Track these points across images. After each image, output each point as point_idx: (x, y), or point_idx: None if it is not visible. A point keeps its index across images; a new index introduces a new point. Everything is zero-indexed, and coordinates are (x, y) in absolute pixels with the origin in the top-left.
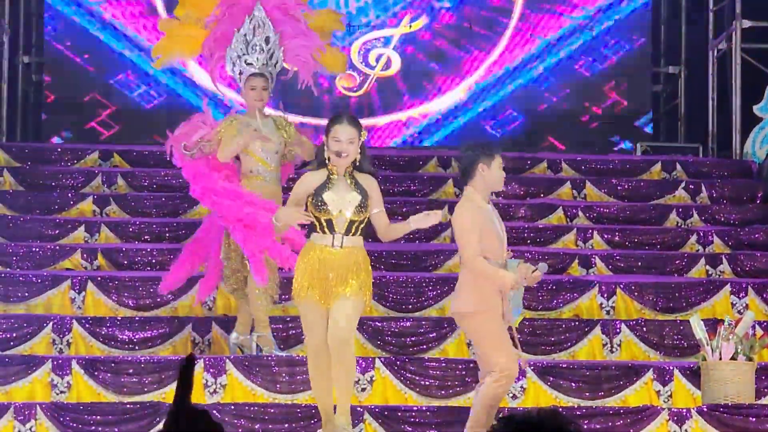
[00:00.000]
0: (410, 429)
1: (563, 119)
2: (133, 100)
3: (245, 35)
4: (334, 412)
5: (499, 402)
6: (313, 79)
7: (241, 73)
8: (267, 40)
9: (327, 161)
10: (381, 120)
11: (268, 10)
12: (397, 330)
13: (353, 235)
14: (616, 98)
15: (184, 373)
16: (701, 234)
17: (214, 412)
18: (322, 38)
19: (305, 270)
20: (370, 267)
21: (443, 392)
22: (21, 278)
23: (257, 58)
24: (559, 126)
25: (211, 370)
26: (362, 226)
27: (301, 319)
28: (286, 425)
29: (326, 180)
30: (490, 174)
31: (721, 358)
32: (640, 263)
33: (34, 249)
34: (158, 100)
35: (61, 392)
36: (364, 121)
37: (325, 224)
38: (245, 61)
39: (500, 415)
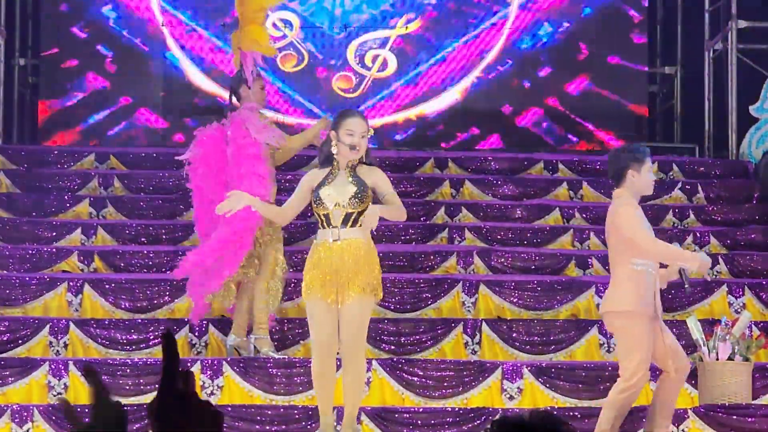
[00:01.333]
0: (407, 430)
1: (559, 119)
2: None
3: None
4: (334, 414)
5: (626, 411)
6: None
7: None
8: None
9: (333, 155)
10: (377, 121)
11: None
12: (394, 331)
13: (348, 227)
14: (613, 98)
15: (167, 349)
16: (698, 234)
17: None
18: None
19: (310, 268)
20: (376, 259)
21: (440, 393)
22: (17, 281)
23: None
24: (555, 126)
25: (208, 372)
26: (359, 217)
27: (308, 317)
28: (284, 427)
29: (327, 175)
30: (640, 179)
31: (718, 359)
32: None
33: (30, 251)
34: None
35: (58, 394)
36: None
37: (323, 219)
38: (254, 59)
39: (492, 419)
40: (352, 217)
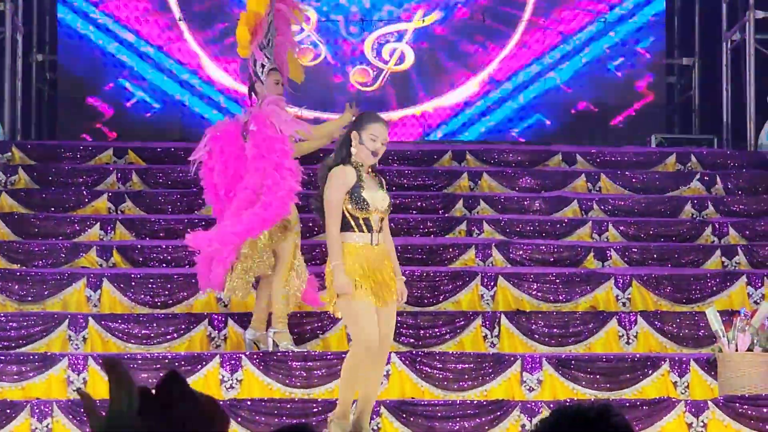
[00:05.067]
0: (427, 423)
1: (575, 111)
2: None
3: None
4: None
5: None
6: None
7: (263, 66)
8: (274, 34)
9: (350, 156)
10: (395, 114)
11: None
12: (413, 324)
13: (381, 232)
14: (631, 90)
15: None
16: (716, 225)
17: (231, 407)
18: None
19: (353, 270)
20: None
21: (459, 385)
22: (37, 276)
23: (271, 53)
24: (571, 119)
25: (228, 366)
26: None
27: (352, 315)
28: (303, 420)
29: (358, 178)
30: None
31: (737, 350)
32: (655, 255)
33: (49, 247)
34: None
35: (78, 389)
36: None
37: (363, 223)
38: (266, 54)
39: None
40: (383, 223)
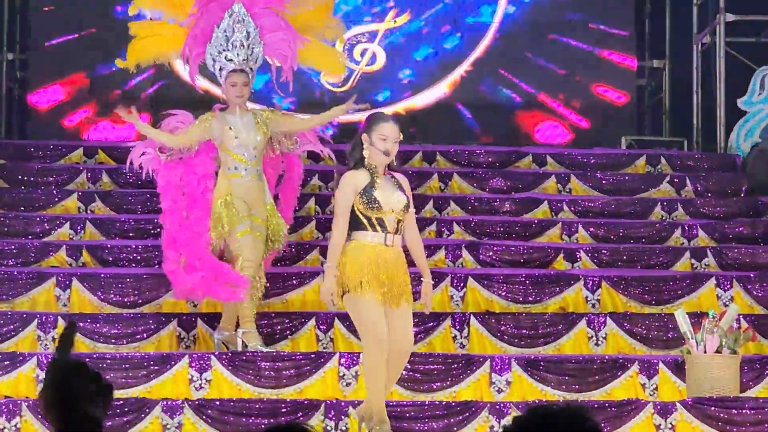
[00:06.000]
0: (396, 423)
1: (546, 113)
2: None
3: (225, 31)
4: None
5: None
6: (293, 75)
7: (221, 69)
8: (247, 36)
9: (364, 159)
10: (364, 115)
11: (247, 4)
12: None
13: (398, 234)
14: (600, 92)
15: (66, 333)
16: (686, 227)
17: (200, 407)
18: (309, 34)
19: (361, 268)
20: None
21: (428, 386)
22: (6, 276)
23: (237, 54)
24: (542, 120)
25: (197, 366)
26: (403, 225)
27: (360, 314)
28: (272, 420)
29: (371, 179)
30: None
31: (705, 352)
32: (625, 257)
33: (18, 246)
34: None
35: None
36: (349, 117)
37: (376, 223)
38: (225, 57)
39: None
40: (400, 225)
